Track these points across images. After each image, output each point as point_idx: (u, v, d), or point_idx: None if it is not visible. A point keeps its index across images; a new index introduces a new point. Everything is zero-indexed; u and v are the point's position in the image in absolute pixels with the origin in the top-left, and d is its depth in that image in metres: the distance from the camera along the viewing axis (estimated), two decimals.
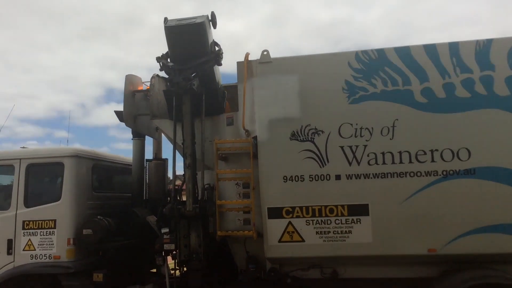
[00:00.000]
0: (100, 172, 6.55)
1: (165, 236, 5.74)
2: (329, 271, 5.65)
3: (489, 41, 5.18)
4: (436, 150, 5.09)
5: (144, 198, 6.86)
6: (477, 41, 5.20)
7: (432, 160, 5.09)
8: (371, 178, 5.19)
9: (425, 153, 5.11)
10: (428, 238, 5.11)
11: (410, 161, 5.13)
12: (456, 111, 5.12)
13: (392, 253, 5.23)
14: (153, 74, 6.19)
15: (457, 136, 5.08)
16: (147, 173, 6.87)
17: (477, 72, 5.12)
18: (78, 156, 5.99)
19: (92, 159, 6.27)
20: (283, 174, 5.33)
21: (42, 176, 6.11)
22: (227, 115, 5.86)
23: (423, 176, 5.10)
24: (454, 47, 5.20)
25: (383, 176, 5.17)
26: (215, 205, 5.49)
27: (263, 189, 5.38)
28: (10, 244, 5.77)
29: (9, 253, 5.75)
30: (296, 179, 5.31)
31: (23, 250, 5.73)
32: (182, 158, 5.73)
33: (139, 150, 6.84)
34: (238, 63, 5.66)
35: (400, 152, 5.16)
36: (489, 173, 5.00)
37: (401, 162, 5.15)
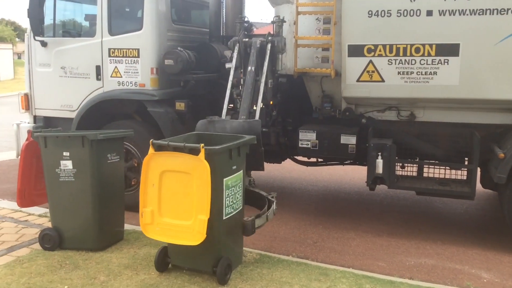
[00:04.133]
0: (178, 4, 6.47)
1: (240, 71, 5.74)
2: (407, 114, 5.54)
3: None
4: None
5: (222, 33, 6.82)
6: None
7: None
8: (467, 15, 4.70)
9: None
10: None
11: None
12: None
13: (479, 97, 4.96)
14: None
15: None
16: (223, 8, 6.71)
17: None
18: None
19: None
20: (369, 8, 4.97)
21: (124, 4, 6.14)
22: None
23: None
24: None
25: (480, 13, 4.67)
26: (284, 39, 5.30)
27: (346, 24, 5.09)
28: (98, 70, 6.09)
29: (98, 78, 6.11)
30: (383, 14, 4.95)
31: (111, 76, 6.06)
32: None
33: None
34: None
35: None
36: None
37: None
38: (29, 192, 4.95)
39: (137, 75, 5.96)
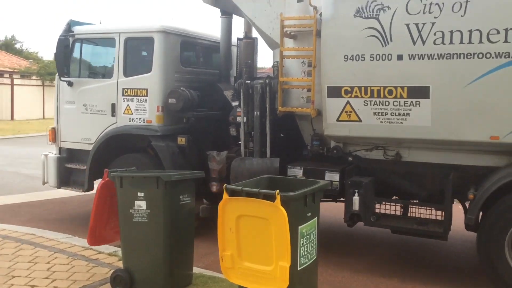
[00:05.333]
0: (189, 47, 7.11)
1: (237, 109, 6.26)
2: (393, 153, 5.69)
3: None
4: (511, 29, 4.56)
5: (236, 74, 7.32)
6: None
7: (506, 40, 4.59)
8: (436, 59, 4.90)
9: (498, 32, 4.61)
10: (491, 125, 4.82)
11: (481, 41, 4.68)
12: None
13: (451, 138, 5.07)
14: None
15: None
16: (238, 50, 7.25)
17: None
18: (166, 32, 6.55)
19: (180, 35, 6.80)
20: (344, 53, 5.28)
21: (137, 49, 6.86)
22: None
23: (493, 58, 4.65)
24: None
25: (448, 57, 4.84)
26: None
27: (324, 67, 5.43)
28: (113, 108, 6.79)
29: (113, 115, 6.80)
30: (357, 59, 5.24)
31: (123, 113, 6.73)
32: None
33: (227, 28, 7.18)
34: None
35: (470, 31, 4.72)
36: None
37: (470, 42, 4.73)
38: (100, 231, 5.03)
39: (145, 112, 6.58)
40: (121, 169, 5.03)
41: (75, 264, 5.24)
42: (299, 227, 3.70)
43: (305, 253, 3.78)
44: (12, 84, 27.78)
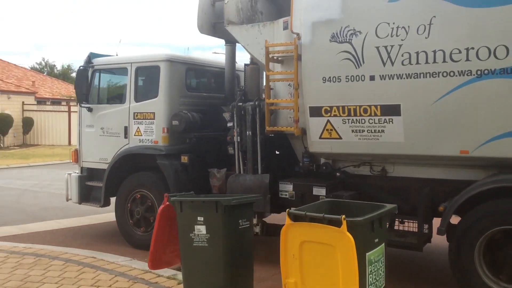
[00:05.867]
0: (194, 74, 7.70)
1: (235, 130, 6.73)
2: (379, 169, 5.96)
3: None
4: (472, 48, 4.78)
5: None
6: None
7: (467, 59, 4.81)
8: (404, 78, 5.17)
9: (460, 52, 4.84)
10: (460, 139, 5.02)
11: (444, 61, 4.93)
12: (497, 4, 4.65)
13: (424, 153, 5.29)
14: None
15: (496, 32, 4.66)
16: (244, 75, 7.75)
17: None
18: (171, 61, 7.16)
19: (185, 63, 7.40)
20: (323, 75, 5.65)
21: (146, 77, 7.52)
22: (284, 19, 6.23)
23: (456, 76, 4.88)
24: None
25: (415, 77, 5.11)
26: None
27: (305, 89, 5.82)
28: (126, 130, 7.43)
29: (125, 137, 7.45)
30: (334, 80, 5.59)
31: (134, 135, 7.36)
32: None
33: (231, 54, 7.72)
34: None
35: (434, 51, 4.97)
36: None
37: (434, 61, 4.98)
38: (161, 254, 5.19)
39: (153, 134, 7.18)
40: (180, 193, 5.26)
41: None
42: (367, 253, 3.55)
43: (374, 281, 3.62)
44: (69, 112, 29.52)
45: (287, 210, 3.80)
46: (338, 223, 3.45)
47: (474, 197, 4.86)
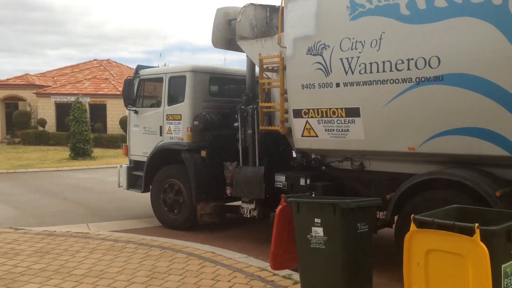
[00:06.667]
0: (215, 81, 9.01)
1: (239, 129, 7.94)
2: (357, 164, 6.84)
3: None
4: (412, 59, 5.55)
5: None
6: None
7: (408, 68, 5.59)
8: (362, 85, 6.04)
9: (402, 62, 5.64)
10: (407, 137, 5.80)
11: (391, 70, 5.74)
12: (432, 21, 5.38)
13: (381, 149, 6.13)
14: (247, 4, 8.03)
15: (430, 45, 5.40)
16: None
17: None
18: (195, 71, 8.54)
19: (208, 72, 8.74)
20: (301, 82, 6.66)
21: (176, 85, 8.95)
22: (278, 35, 7.32)
23: (401, 83, 5.68)
24: None
25: (370, 84, 5.96)
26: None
27: (290, 94, 6.87)
28: (161, 129, 8.95)
29: (160, 135, 8.96)
30: (309, 87, 6.58)
31: (167, 133, 8.85)
32: None
33: (250, 63, 8.89)
34: None
35: (383, 62, 5.80)
36: (455, 79, 5.24)
37: (384, 70, 5.81)
38: (281, 255, 5.15)
39: (180, 132, 8.61)
40: (296, 194, 5.36)
41: (253, 285, 5.37)
42: (503, 266, 3.29)
43: None
44: None
45: (412, 215, 3.67)
46: (470, 232, 3.20)
47: (412, 188, 5.63)
